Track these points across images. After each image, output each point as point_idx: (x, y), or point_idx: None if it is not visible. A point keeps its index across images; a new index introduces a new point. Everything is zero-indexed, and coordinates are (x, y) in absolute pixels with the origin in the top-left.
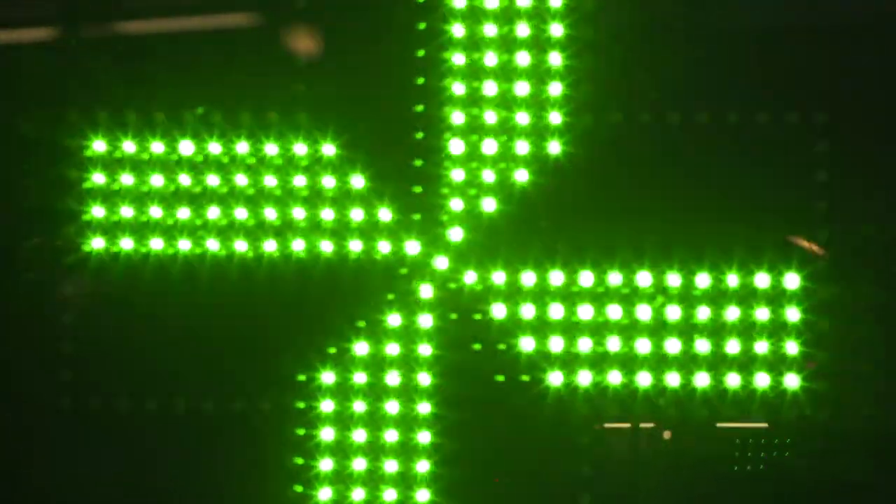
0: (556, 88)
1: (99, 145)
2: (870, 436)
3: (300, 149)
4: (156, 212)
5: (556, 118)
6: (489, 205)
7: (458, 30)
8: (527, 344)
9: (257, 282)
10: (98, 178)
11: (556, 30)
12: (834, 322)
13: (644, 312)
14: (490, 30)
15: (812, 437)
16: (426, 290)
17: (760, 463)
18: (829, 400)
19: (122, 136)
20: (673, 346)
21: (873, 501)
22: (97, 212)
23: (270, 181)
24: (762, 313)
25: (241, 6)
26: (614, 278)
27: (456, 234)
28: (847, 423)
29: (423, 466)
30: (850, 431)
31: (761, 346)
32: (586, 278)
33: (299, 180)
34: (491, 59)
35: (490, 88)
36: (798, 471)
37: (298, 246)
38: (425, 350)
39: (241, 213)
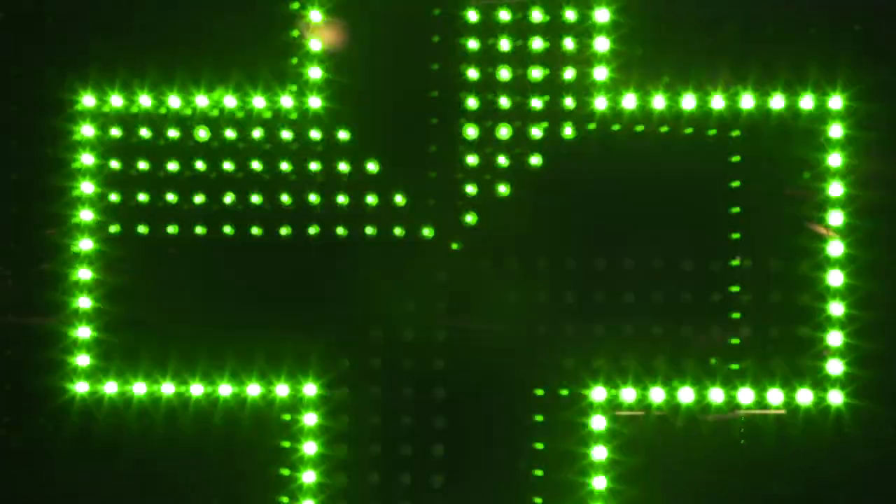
0: (570, 73)
1: (115, 132)
2: (889, 422)
3: (315, 134)
4: (171, 198)
5: (570, 102)
6: (504, 190)
7: (472, 15)
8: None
9: (272, 267)
10: (114, 164)
11: (570, 14)
12: (846, 306)
13: (658, 297)
14: (504, 15)
15: (828, 424)
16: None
17: (777, 450)
18: (848, 386)
19: (138, 125)
20: (688, 331)
21: (892, 489)
22: (113, 197)
23: (285, 166)
24: (775, 298)
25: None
26: (628, 263)
27: (470, 220)
28: (865, 410)
29: (437, 451)
30: (868, 418)
31: (775, 331)
32: (600, 264)
33: (314, 165)
34: (505, 44)
35: (504, 73)
36: (815, 458)
37: (314, 231)
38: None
39: (256, 199)
